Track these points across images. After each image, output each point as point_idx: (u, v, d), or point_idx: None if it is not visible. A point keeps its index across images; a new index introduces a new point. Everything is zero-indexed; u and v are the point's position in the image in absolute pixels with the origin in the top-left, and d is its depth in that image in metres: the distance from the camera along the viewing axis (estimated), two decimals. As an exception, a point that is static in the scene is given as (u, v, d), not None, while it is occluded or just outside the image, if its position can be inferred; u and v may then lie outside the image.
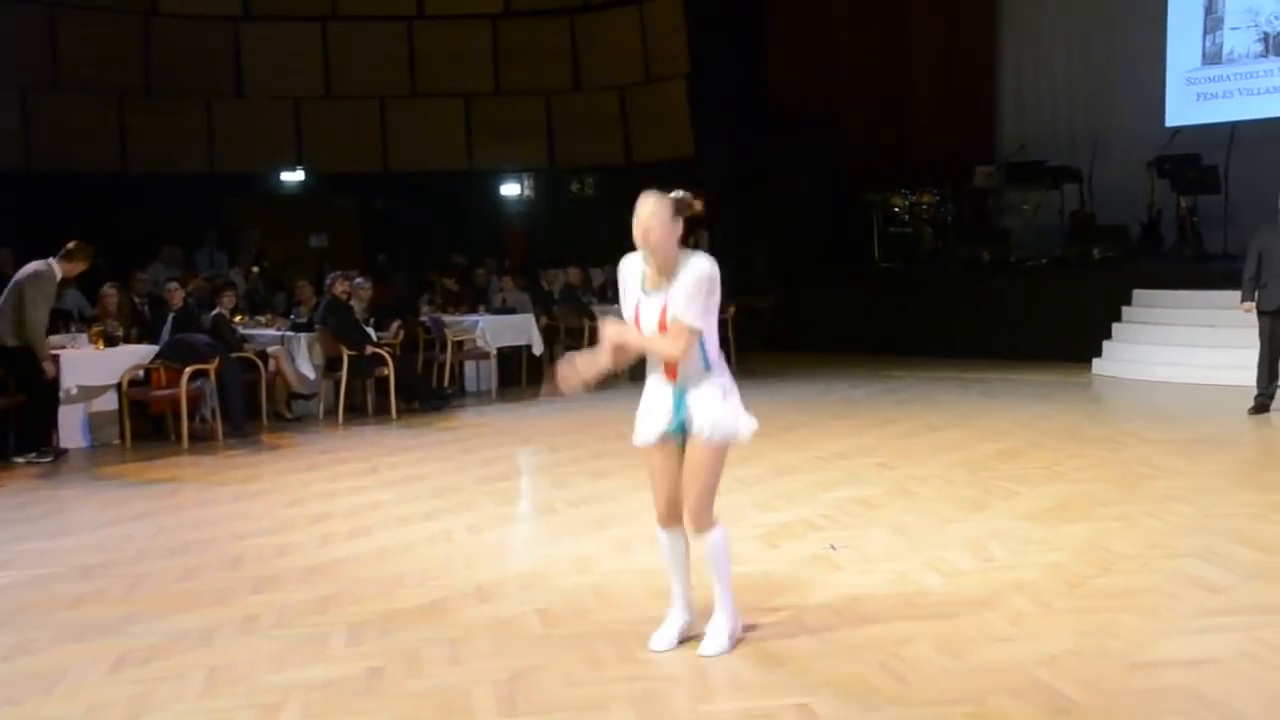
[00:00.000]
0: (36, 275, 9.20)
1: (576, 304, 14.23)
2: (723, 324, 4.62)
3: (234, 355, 10.40)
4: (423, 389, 11.84)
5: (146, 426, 10.24)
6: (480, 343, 12.88)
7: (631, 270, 4.40)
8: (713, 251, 4.54)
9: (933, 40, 17.25)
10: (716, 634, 4.49)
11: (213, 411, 10.15)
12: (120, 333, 10.44)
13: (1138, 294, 13.09)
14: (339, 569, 5.87)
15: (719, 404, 4.33)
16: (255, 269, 15.58)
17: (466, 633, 4.80)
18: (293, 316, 12.02)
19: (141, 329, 11.23)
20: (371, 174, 17.84)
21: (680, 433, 4.39)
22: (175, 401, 9.79)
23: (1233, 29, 15.20)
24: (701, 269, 4.23)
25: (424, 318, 13.09)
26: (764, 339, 15.61)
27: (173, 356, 9.91)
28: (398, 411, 11.20)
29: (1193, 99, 15.44)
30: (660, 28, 17.69)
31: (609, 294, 14.93)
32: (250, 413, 10.58)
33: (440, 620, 4.99)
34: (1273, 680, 4.05)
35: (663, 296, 4.27)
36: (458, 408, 11.85)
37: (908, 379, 12.77)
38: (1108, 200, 15.02)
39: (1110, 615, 4.74)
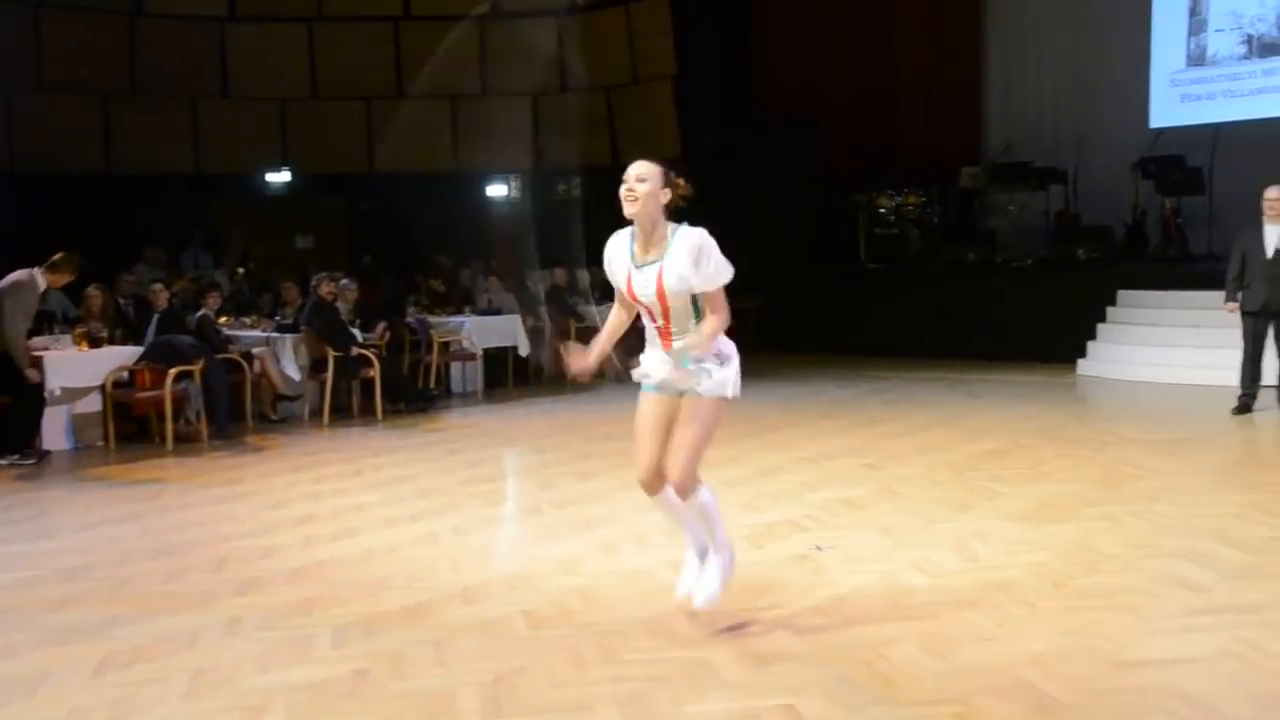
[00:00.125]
0: (16, 286, 9.14)
1: (562, 305, 14.22)
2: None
3: (219, 356, 10.36)
4: (408, 390, 11.82)
5: (130, 428, 10.20)
6: (466, 344, 12.86)
7: (618, 246, 4.48)
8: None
9: (919, 42, 17.30)
10: (710, 582, 4.61)
11: (197, 413, 10.11)
12: (104, 334, 10.39)
13: (1122, 294, 13.15)
14: (323, 571, 5.85)
15: (717, 365, 4.42)
16: (240, 270, 15.54)
17: (451, 634, 4.79)
18: (278, 318, 11.99)
19: (126, 330, 11.19)
20: (358, 175, 17.79)
21: (676, 391, 4.46)
22: (159, 403, 9.76)
23: (1216, 31, 15.27)
24: (698, 234, 4.35)
25: (410, 319, 13.07)
26: (750, 339, 15.65)
27: (157, 358, 9.88)
28: (383, 413, 11.18)
29: (1177, 100, 15.51)
30: (646, 29, 17.69)
31: (595, 295, 14.92)
32: (235, 414, 10.54)
33: (425, 622, 4.98)
34: (1256, 679, 4.06)
35: (656, 267, 4.34)
36: (443, 409, 11.84)
37: (893, 379, 12.80)
38: (1093, 201, 15.09)
39: (1095, 615, 4.75)
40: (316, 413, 11.13)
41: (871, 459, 8.34)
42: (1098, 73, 16.02)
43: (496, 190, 19.03)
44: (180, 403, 10.02)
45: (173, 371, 9.67)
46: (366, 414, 11.25)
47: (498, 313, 13.65)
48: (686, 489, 4.45)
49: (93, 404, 9.91)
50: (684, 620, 4.73)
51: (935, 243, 15.93)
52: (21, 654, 4.72)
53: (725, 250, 4.40)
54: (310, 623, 5.00)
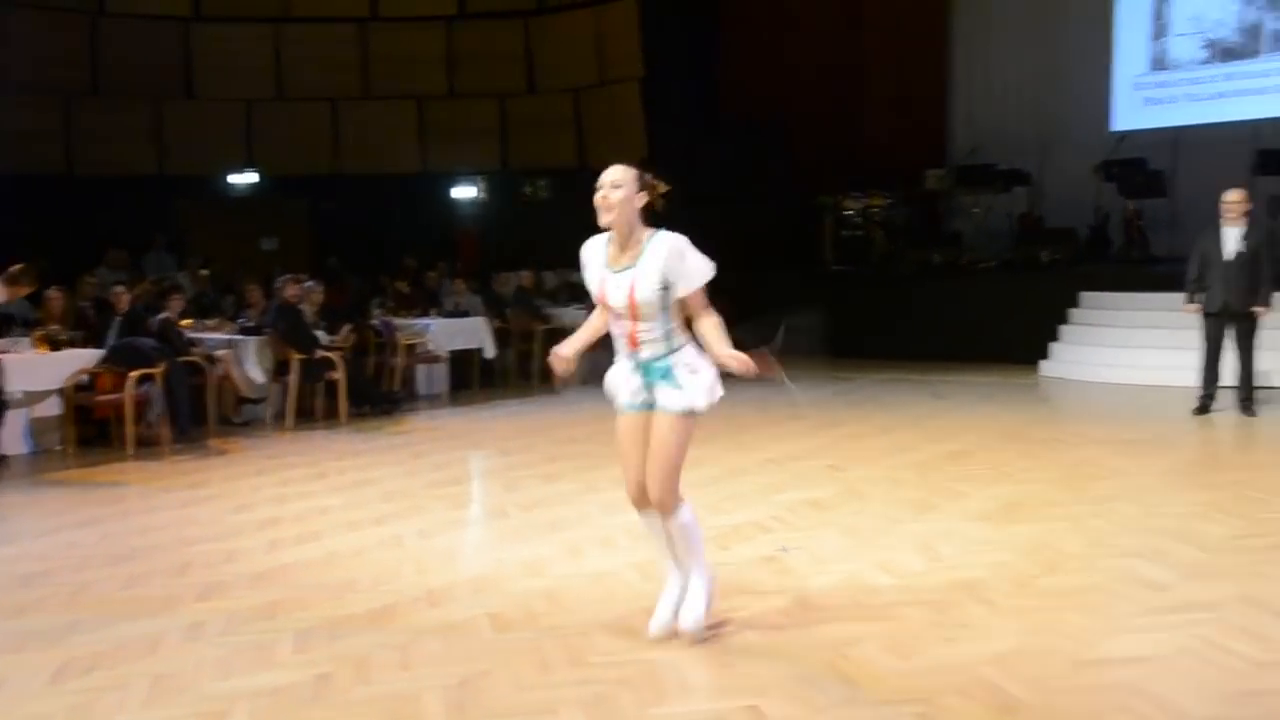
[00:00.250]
0: None
1: (529, 307, 14.20)
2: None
3: (181, 359, 10.27)
4: (373, 393, 11.75)
5: (91, 432, 10.08)
6: (432, 346, 12.81)
7: (594, 251, 4.46)
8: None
9: (884, 45, 17.40)
10: (694, 607, 4.56)
11: (159, 416, 10.01)
12: (64, 337, 10.28)
13: (1085, 296, 13.27)
14: (287, 575, 5.81)
15: (683, 377, 4.38)
16: (204, 272, 15.42)
17: (416, 638, 4.76)
18: (241, 320, 11.90)
19: (87, 333, 11.08)
20: (323, 176, 17.71)
21: (648, 406, 4.44)
22: (120, 406, 9.66)
23: (1178, 35, 15.44)
24: (672, 243, 4.32)
25: (375, 321, 13.01)
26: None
27: (118, 360, 9.78)
28: (347, 416, 11.11)
29: (1139, 104, 15.67)
30: (614, 31, 17.71)
31: (561, 297, 14.92)
32: (198, 417, 10.45)
33: (389, 625, 4.96)
34: (1215, 676, 4.11)
35: (630, 273, 4.31)
36: (409, 411, 11.78)
37: (859, 380, 12.86)
38: (1056, 203, 15.24)
39: (1056, 614, 4.79)
40: (280, 416, 11.05)
41: (836, 460, 8.37)
42: (1061, 76, 16.17)
43: (463, 192, 18.99)
44: (142, 406, 9.92)
45: (134, 374, 9.58)
46: (331, 417, 11.18)
47: (464, 315, 13.60)
48: (667, 505, 4.44)
49: (52, 407, 9.78)
50: (649, 622, 4.73)
51: (900, 244, 16.03)
52: (-22, 661, 4.66)
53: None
54: (273, 627, 4.96)
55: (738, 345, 4.39)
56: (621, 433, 4.52)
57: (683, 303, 4.37)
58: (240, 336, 11.30)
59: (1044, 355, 12.91)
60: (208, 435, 10.35)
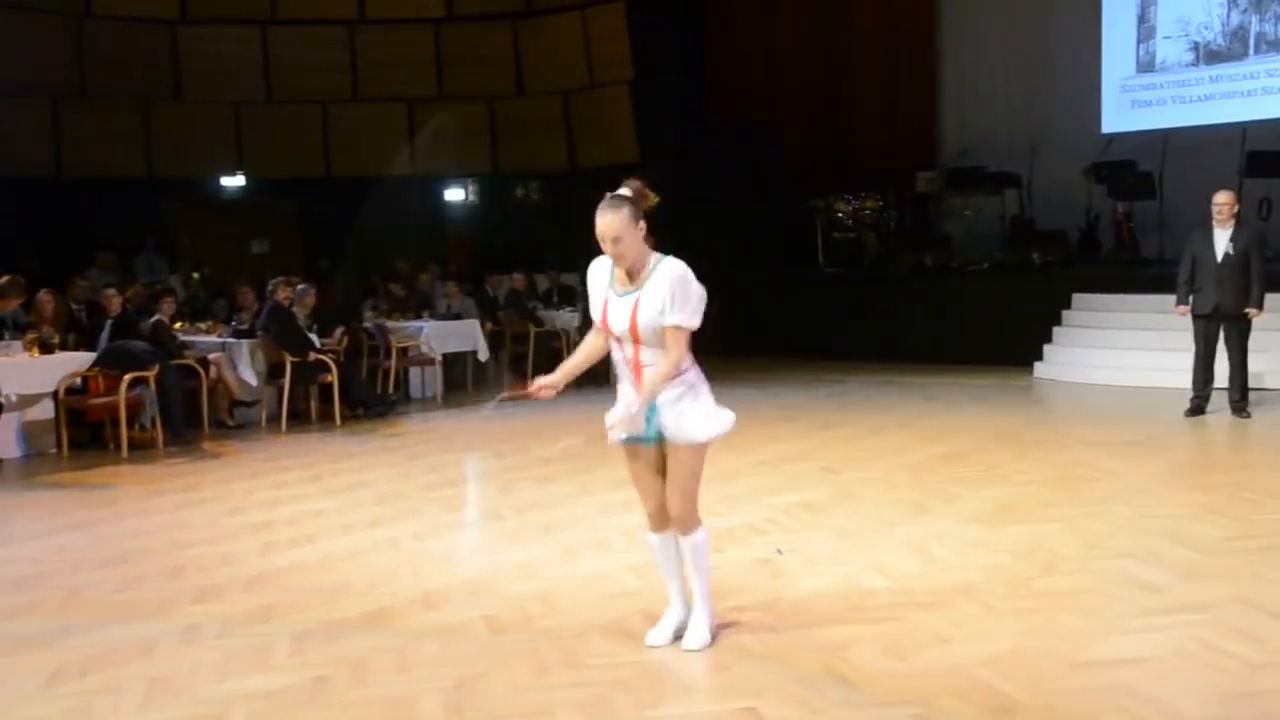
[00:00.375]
0: None
1: (521, 309, 14.20)
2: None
3: (174, 362, 10.25)
4: (367, 395, 11.74)
5: (84, 435, 10.06)
6: (425, 348, 12.80)
7: (600, 271, 4.42)
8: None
9: (874, 47, 17.42)
10: (698, 628, 4.55)
11: (152, 419, 9.99)
12: (56, 340, 10.24)
13: (1077, 298, 13.29)
14: (282, 578, 5.80)
15: (688, 405, 4.36)
16: (195, 275, 15.40)
17: (412, 640, 4.76)
18: (234, 323, 11.88)
19: (78, 336, 11.05)
20: (313, 179, 17.68)
21: (657, 440, 4.41)
22: (113, 409, 9.63)
23: (1165, 38, 15.49)
24: (676, 270, 4.28)
25: (368, 323, 13.00)
26: (708, 343, 15.67)
27: (111, 363, 9.76)
28: (341, 418, 11.10)
29: (1128, 106, 15.72)
30: (603, 33, 17.71)
31: (554, 299, 14.92)
32: (191, 420, 10.43)
33: (385, 628, 4.95)
34: (1209, 677, 4.12)
35: (633, 297, 4.29)
36: (402, 414, 11.77)
37: (851, 383, 12.87)
38: (1047, 206, 15.27)
39: (1051, 616, 4.80)
40: (274, 419, 11.03)
41: (830, 462, 8.38)
42: (1050, 79, 16.20)
43: (454, 194, 18.97)
44: (135, 409, 9.90)
45: (127, 377, 9.55)
46: (325, 420, 11.17)
47: (457, 317, 13.60)
48: (687, 524, 4.46)
49: (45, 411, 9.75)
50: (645, 624, 4.73)
51: (892, 247, 16.05)
52: (-27, 665, 4.64)
53: (683, 254, 4.38)
54: (269, 630, 4.95)
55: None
56: (633, 467, 4.51)
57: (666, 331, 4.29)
58: (233, 339, 11.29)
59: (1037, 357, 12.92)
60: (201, 438, 10.33)
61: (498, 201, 18.76)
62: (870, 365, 13.91)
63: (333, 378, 11.05)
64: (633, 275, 4.31)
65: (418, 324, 13.06)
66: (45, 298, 10.82)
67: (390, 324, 13.02)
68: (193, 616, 5.17)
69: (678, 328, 4.27)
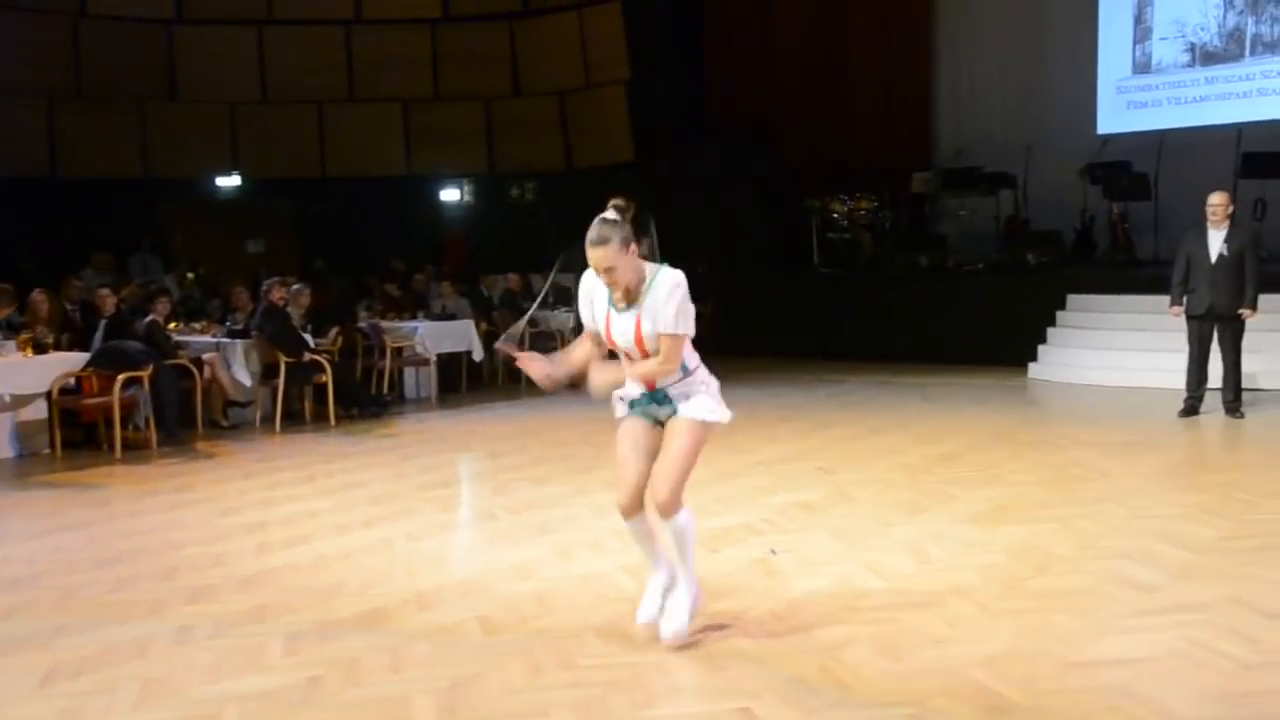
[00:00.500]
0: None
1: (516, 310, 14.18)
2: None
3: (168, 362, 10.24)
4: (361, 395, 11.74)
5: (77, 435, 10.05)
6: (419, 349, 12.80)
7: (596, 284, 4.40)
8: (652, 258, 4.54)
9: (870, 48, 17.43)
10: (677, 612, 4.55)
11: (146, 420, 9.98)
12: (50, 340, 10.23)
13: (1071, 299, 13.30)
14: (276, 578, 5.79)
15: (699, 395, 4.40)
16: (190, 275, 15.38)
17: (406, 641, 4.75)
18: (229, 323, 11.87)
19: (73, 336, 11.03)
20: (309, 179, 17.67)
21: (659, 421, 4.43)
22: (107, 409, 9.62)
23: (1161, 39, 15.51)
24: (674, 281, 4.27)
25: (362, 324, 12.99)
26: (704, 343, 15.68)
27: (105, 363, 9.74)
28: (336, 418, 11.09)
29: (1123, 107, 15.74)
30: (599, 33, 17.71)
31: (549, 300, 14.91)
32: (185, 421, 10.42)
33: (379, 628, 4.94)
34: (1204, 678, 4.12)
35: (634, 312, 4.30)
36: (397, 414, 11.76)
37: (847, 383, 12.87)
38: (1042, 206, 15.28)
39: (1046, 616, 4.80)
40: (268, 419, 11.02)
41: (826, 463, 8.38)
42: (1046, 80, 16.23)
43: (449, 194, 18.96)
44: (129, 409, 9.88)
45: (121, 377, 9.54)
46: (319, 420, 11.16)
47: (451, 318, 13.59)
48: (671, 508, 4.41)
49: (38, 411, 9.75)
50: (639, 625, 4.72)
51: (887, 247, 16.06)
52: (-34, 665, 4.63)
53: (679, 255, 4.39)
54: (263, 630, 4.94)
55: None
56: (623, 435, 4.50)
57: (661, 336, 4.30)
58: (227, 339, 11.28)
59: (1032, 357, 12.93)
60: (195, 439, 10.33)
61: (493, 201, 18.76)
62: (866, 365, 13.92)
63: (327, 378, 11.04)
64: (631, 290, 4.31)
65: (412, 324, 13.06)
66: (40, 298, 10.81)
67: (385, 324, 13.02)
68: (187, 617, 5.17)
69: (673, 336, 4.28)
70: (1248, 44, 14.87)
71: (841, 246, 16.32)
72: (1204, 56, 15.17)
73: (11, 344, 10.03)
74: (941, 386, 12.34)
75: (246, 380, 11.08)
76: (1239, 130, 13.83)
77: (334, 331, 12.08)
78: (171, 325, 11.44)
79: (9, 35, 15.57)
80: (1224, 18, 15.01)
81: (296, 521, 7.04)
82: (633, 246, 4.25)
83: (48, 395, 9.71)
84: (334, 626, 4.97)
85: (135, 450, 9.74)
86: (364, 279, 15.36)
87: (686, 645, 4.53)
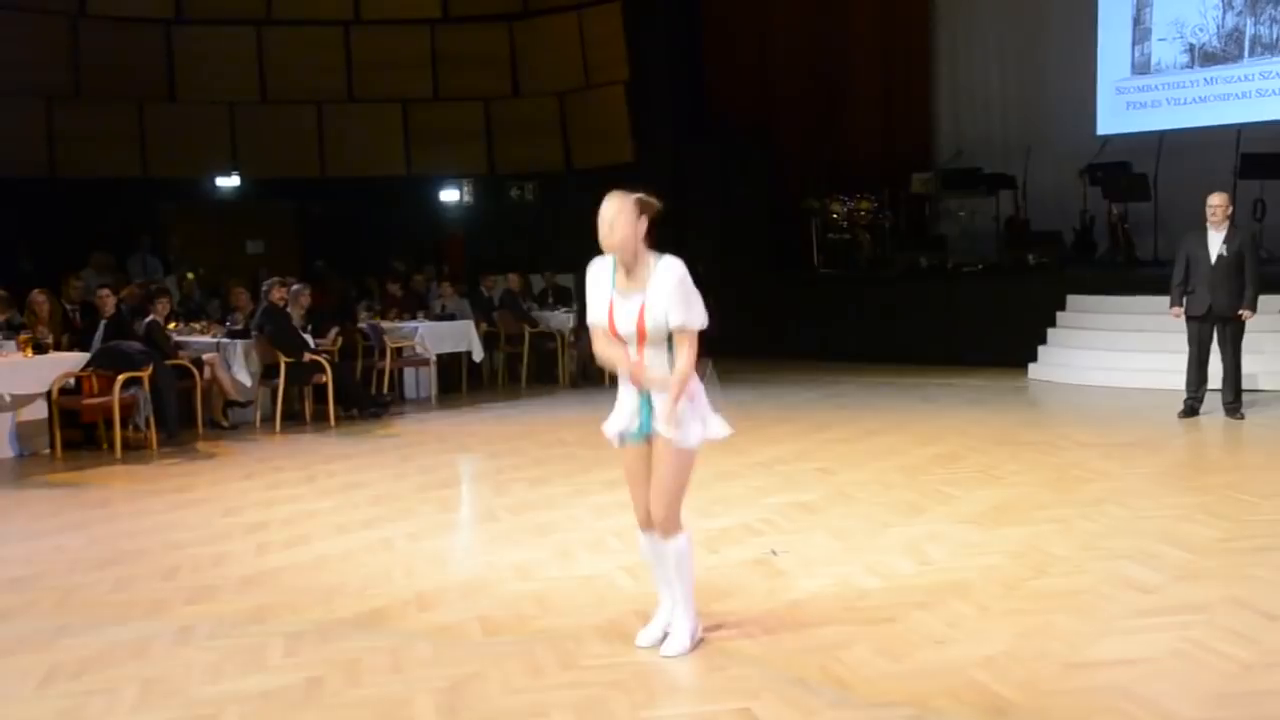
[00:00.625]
0: None
1: (516, 310, 14.19)
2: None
3: (168, 362, 10.24)
4: (362, 396, 11.74)
5: (77, 435, 10.04)
6: (419, 349, 12.80)
7: (601, 271, 4.41)
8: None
9: (870, 49, 17.42)
10: (678, 634, 4.53)
11: (146, 420, 9.98)
12: (50, 340, 10.23)
13: (1071, 299, 13.30)
14: (276, 578, 5.79)
15: (684, 410, 4.34)
16: (190, 275, 15.38)
17: (406, 641, 4.75)
18: (229, 323, 11.88)
19: (73, 336, 11.04)
20: (308, 179, 17.65)
21: (645, 437, 4.42)
22: (107, 409, 9.62)
23: (1160, 40, 15.51)
24: (679, 271, 4.29)
25: (362, 324, 12.99)
26: (702, 346, 15.67)
27: (105, 364, 9.74)
28: (336, 419, 11.09)
29: (1122, 108, 15.73)
30: (599, 34, 17.71)
31: (549, 300, 14.92)
32: (185, 421, 10.43)
33: (380, 629, 4.95)
34: (1204, 679, 4.12)
35: (639, 298, 4.30)
36: (397, 415, 11.77)
37: (847, 384, 12.87)
38: (1042, 207, 15.28)
39: (1046, 616, 4.80)
40: (269, 419, 11.02)
41: (825, 463, 8.38)
42: (1045, 80, 16.22)
43: (449, 195, 18.96)
44: (129, 409, 9.88)
45: (121, 378, 9.54)
46: (319, 420, 11.16)
47: (451, 318, 13.59)
48: (669, 528, 4.43)
49: (38, 411, 9.75)
50: (640, 625, 4.73)
51: (887, 248, 16.05)
52: (-34, 666, 4.63)
53: (678, 254, 4.38)
54: (263, 631, 4.95)
55: None
56: (627, 464, 4.51)
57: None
58: (227, 340, 11.28)
59: (1031, 358, 12.93)
60: (196, 439, 10.33)
61: (493, 202, 18.75)
62: (865, 366, 13.92)
63: (327, 378, 11.04)
64: (633, 274, 4.32)
65: (412, 324, 13.06)
66: (40, 298, 10.81)
67: (385, 324, 13.02)
68: (187, 617, 5.17)
69: (684, 329, 4.29)
70: (1247, 45, 14.86)
71: (841, 247, 16.31)
72: (1203, 57, 15.17)
73: (12, 344, 10.04)
74: (941, 387, 12.34)
75: (247, 380, 11.09)
76: (1238, 131, 13.82)
77: (334, 332, 12.09)
78: (171, 325, 11.44)
79: (8, 35, 15.53)
80: (1223, 18, 15.01)
81: (297, 522, 7.04)
82: (642, 222, 4.29)
83: (48, 395, 9.71)
84: (334, 627, 4.98)
85: (135, 450, 9.74)
86: (363, 279, 15.37)
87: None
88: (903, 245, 15.96)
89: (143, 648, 4.76)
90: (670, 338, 4.33)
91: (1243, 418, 9.59)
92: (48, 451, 9.75)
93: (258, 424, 11.10)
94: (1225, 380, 9.67)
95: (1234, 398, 9.65)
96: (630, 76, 17.40)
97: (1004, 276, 14.47)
